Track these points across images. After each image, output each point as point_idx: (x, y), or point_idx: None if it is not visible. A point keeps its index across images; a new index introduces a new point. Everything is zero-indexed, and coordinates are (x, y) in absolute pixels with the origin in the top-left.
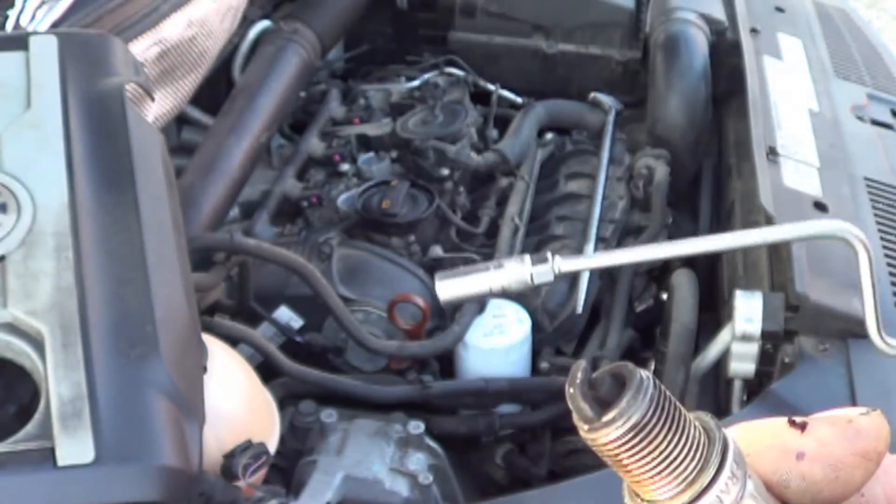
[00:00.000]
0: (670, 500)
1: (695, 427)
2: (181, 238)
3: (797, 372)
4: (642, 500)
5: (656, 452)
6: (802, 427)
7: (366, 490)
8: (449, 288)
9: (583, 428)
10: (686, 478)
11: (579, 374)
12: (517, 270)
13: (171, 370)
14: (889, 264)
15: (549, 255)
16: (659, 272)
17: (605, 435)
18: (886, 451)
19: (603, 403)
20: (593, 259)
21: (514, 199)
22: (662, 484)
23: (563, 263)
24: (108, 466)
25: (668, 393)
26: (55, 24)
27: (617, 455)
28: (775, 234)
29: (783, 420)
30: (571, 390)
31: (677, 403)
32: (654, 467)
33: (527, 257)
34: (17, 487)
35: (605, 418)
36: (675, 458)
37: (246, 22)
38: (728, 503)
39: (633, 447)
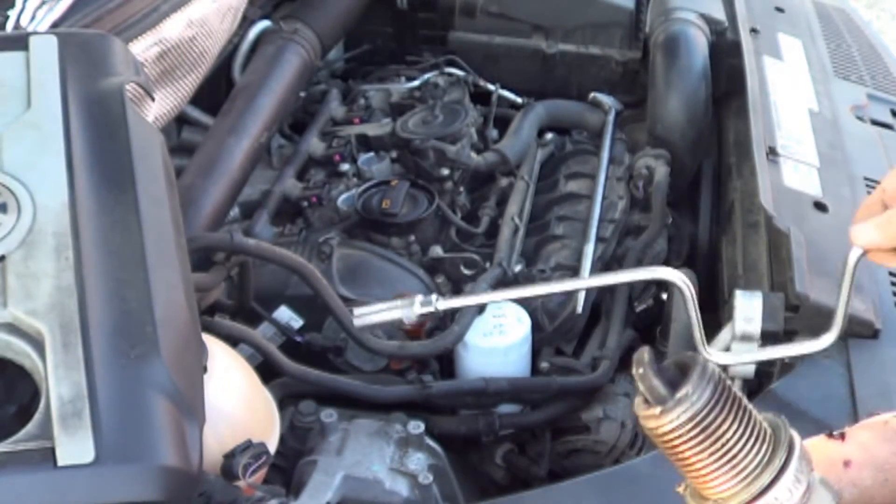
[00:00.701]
0: (734, 496)
1: (761, 422)
2: (181, 238)
3: (797, 372)
4: (706, 500)
5: (722, 440)
6: (842, 437)
7: (366, 490)
8: (363, 318)
9: (651, 413)
10: (750, 472)
11: (646, 356)
12: (409, 307)
13: (171, 370)
14: None
15: (433, 296)
16: None
17: (677, 417)
18: None
19: (670, 387)
20: (469, 298)
21: (514, 199)
22: (727, 478)
23: (443, 303)
24: (108, 466)
25: (731, 385)
26: (55, 24)
27: (682, 444)
28: (617, 278)
29: (821, 435)
30: (641, 370)
31: (743, 397)
32: (719, 458)
33: (418, 297)
34: (17, 487)
35: (679, 395)
36: (741, 450)
37: (246, 22)
38: (795, 500)
39: (701, 431)
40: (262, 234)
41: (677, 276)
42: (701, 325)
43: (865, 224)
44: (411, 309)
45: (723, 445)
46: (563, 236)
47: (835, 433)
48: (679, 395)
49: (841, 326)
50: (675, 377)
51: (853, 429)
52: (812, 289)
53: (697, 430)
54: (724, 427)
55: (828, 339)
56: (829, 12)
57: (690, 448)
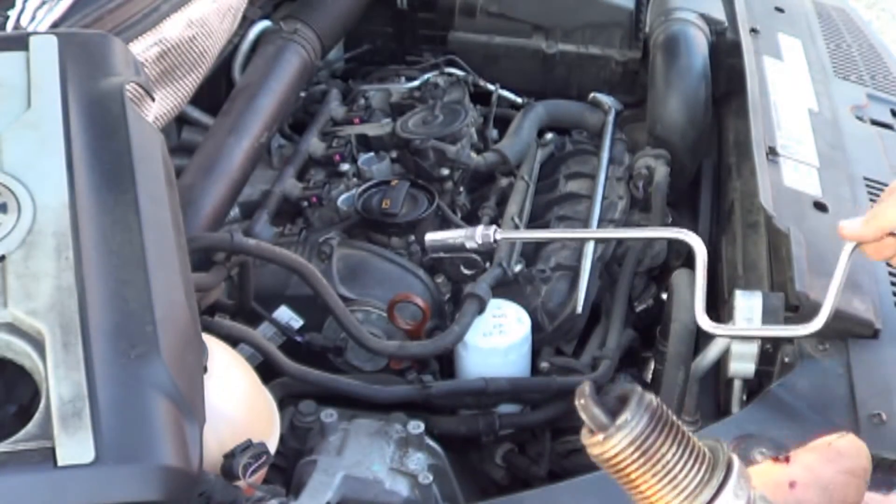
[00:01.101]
0: None
1: (699, 446)
2: (181, 238)
3: (797, 372)
4: None
5: (663, 462)
6: (787, 460)
7: (366, 490)
8: (433, 239)
9: (595, 441)
10: (690, 491)
11: (587, 388)
12: (472, 234)
13: (171, 370)
14: (888, 264)
15: (493, 228)
16: (659, 272)
17: (618, 442)
18: (870, 467)
19: (611, 415)
20: (525, 233)
21: (514, 199)
22: (671, 497)
23: (500, 233)
24: (108, 466)
25: (670, 411)
26: (55, 24)
27: (626, 467)
28: (635, 233)
29: (767, 460)
30: (582, 401)
31: (681, 424)
32: (661, 478)
33: (480, 227)
34: (17, 487)
35: (619, 421)
36: (682, 471)
37: (246, 22)
38: None
39: (642, 454)
40: (262, 234)
41: (692, 238)
42: (704, 292)
43: (853, 219)
44: (473, 238)
45: (663, 467)
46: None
47: (780, 457)
48: (619, 421)
49: (829, 314)
50: (616, 406)
51: (797, 452)
52: (812, 289)
53: (638, 453)
54: (664, 450)
55: (816, 324)
56: (829, 12)
57: (634, 471)
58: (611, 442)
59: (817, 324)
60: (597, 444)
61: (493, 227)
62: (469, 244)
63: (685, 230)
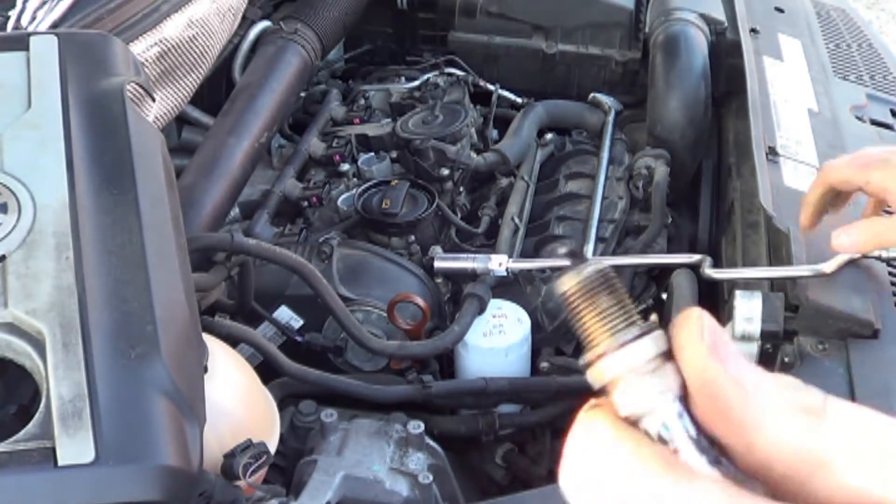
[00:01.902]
0: (601, 343)
1: (637, 310)
2: (181, 238)
3: (797, 372)
4: (591, 350)
5: (606, 302)
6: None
7: (366, 490)
8: (442, 265)
9: (574, 271)
10: (626, 325)
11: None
12: (486, 262)
13: (171, 370)
14: (889, 264)
15: (504, 257)
16: (659, 272)
17: (591, 269)
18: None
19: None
20: (536, 262)
21: (514, 199)
22: (603, 332)
23: (512, 263)
24: (109, 466)
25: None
26: (55, 24)
27: (584, 301)
28: (644, 260)
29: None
30: (564, 249)
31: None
32: (602, 315)
33: (493, 256)
34: (17, 487)
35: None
36: (616, 313)
37: (246, 22)
38: (650, 356)
39: (602, 285)
40: (262, 234)
41: (702, 259)
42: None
43: (848, 229)
44: (486, 265)
45: (601, 309)
46: (563, 236)
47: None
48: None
49: (844, 259)
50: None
51: None
52: (812, 289)
53: (603, 284)
54: (606, 294)
55: (831, 265)
56: (829, 12)
57: (582, 308)
58: (583, 270)
59: (832, 265)
60: (573, 280)
61: (504, 256)
62: (481, 271)
63: (690, 255)
